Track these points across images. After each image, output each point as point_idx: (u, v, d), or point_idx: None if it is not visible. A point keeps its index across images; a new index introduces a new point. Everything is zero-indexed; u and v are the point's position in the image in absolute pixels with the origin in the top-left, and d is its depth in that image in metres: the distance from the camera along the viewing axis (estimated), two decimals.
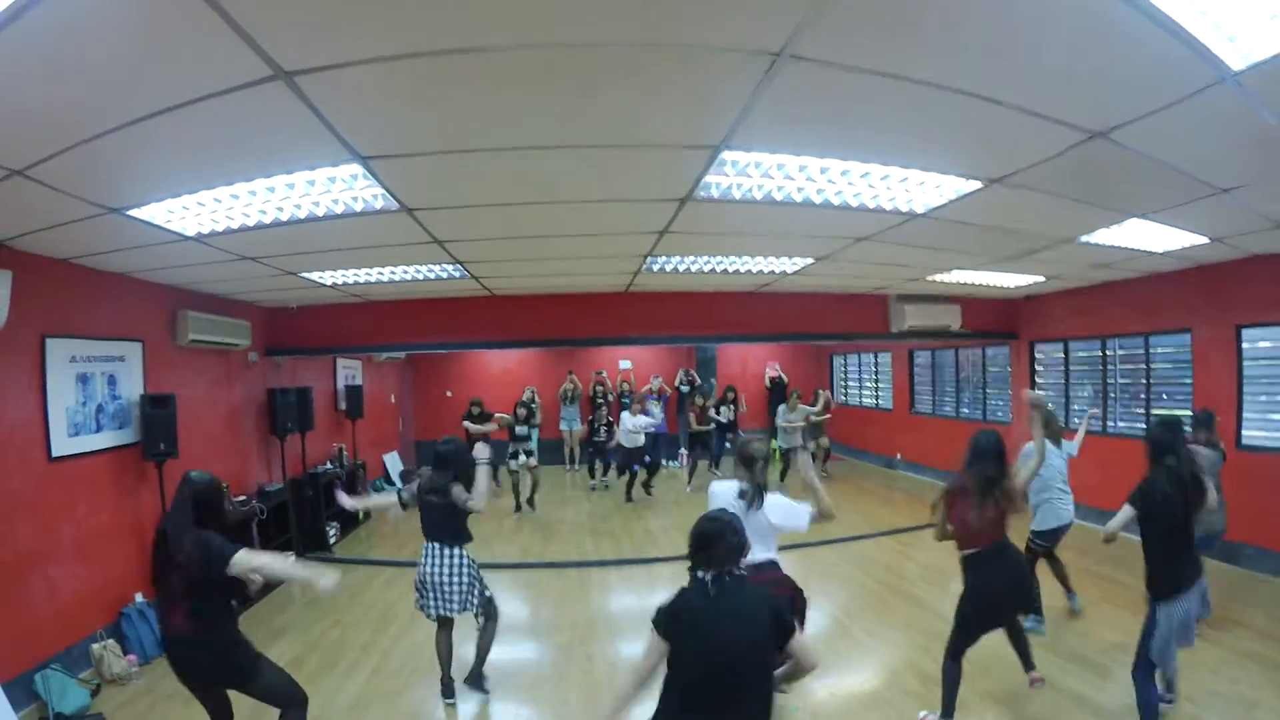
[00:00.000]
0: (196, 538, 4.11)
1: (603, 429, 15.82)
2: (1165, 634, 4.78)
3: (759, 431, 17.14)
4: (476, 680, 6.20)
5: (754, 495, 4.84)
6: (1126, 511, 4.84)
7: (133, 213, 5.08)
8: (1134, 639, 6.27)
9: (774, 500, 4.94)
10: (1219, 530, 6.90)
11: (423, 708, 6.04)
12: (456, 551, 6.00)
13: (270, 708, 4.49)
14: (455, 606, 5.97)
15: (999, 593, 5.18)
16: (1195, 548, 4.92)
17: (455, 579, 5.95)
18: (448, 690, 6.10)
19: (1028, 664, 5.60)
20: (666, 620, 3.42)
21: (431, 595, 5.97)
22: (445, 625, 6.12)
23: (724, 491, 4.95)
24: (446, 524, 6.00)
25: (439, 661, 6.12)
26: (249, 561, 4.15)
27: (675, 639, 3.40)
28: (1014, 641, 5.62)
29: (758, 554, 4.78)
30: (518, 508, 13.51)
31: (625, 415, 14.30)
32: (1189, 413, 8.27)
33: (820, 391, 15.99)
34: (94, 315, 7.07)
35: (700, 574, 3.40)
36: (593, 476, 16.30)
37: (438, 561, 5.95)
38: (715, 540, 3.42)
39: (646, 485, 14.46)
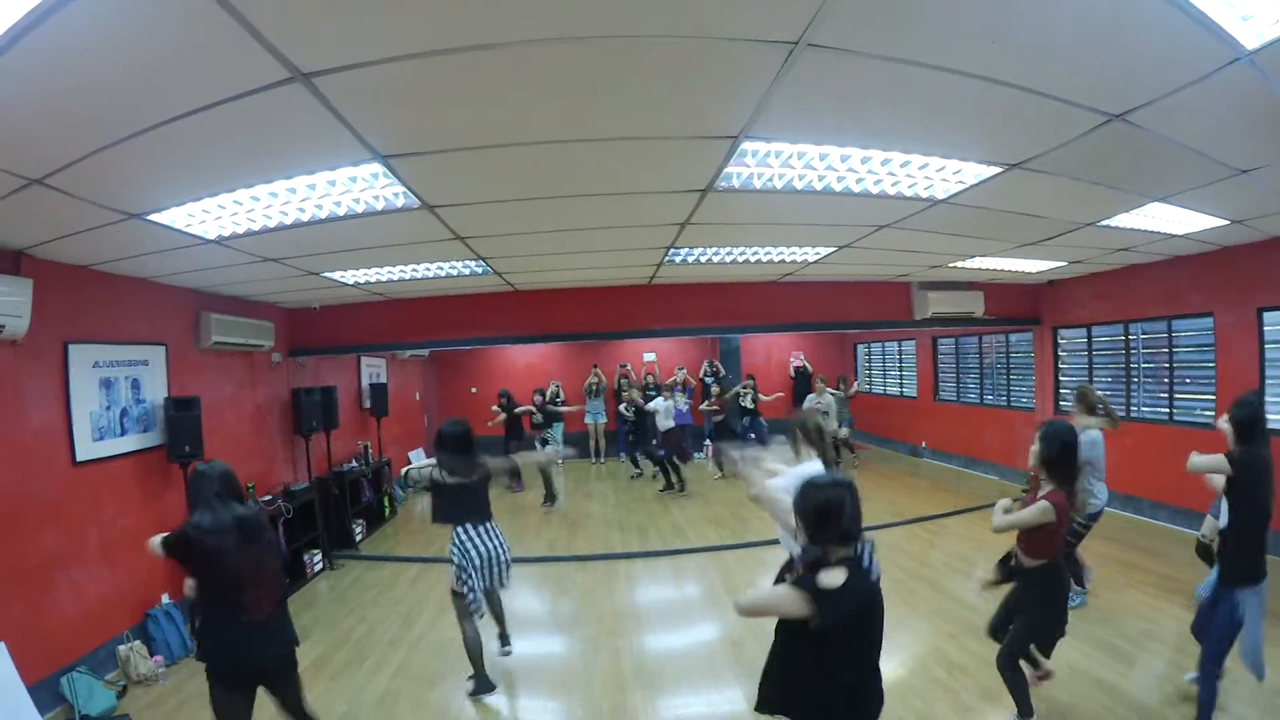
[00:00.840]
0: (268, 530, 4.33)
1: (631, 411, 16.06)
2: (1237, 619, 4.74)
3: (786, 422, 17.17)
4: (506, 639, 6.78)
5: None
6: (1221, 463, 4.74)
7: (153, 217, 5.10)
8: (1160, 627, 6.28)
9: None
10: None
11: (451, 701, 6.05)
12: (494, 526, 6.23)
13: None
14: (509, 578, 6.29)
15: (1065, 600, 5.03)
16: None
17: (503, 551, 6.20)
18: (489, 685, 6.11)
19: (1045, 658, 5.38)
20: (839, 611, 3.10)
21: (492, 573, 6.12)
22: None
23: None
24: (479, 501, 6.19)
25: (474, 656, 6.09)
26: None
27: (843, 628, 3.16)
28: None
29: None
30: (551, 499, 13.55)
31: (658, 400, 14.55)
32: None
33: (842, 377, 15.95)
34: (116, 320, 7.12)
35: (852, 556, 3.20)
36: (635, 465, 16.47)
37: (487, 538, 6.11)
38: (840, 508, 3.19)
39: (680, 483, 14.33)
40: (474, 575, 6.00)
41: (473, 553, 6.00)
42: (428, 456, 16.51)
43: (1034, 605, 4.93)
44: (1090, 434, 6.64)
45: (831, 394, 14.95)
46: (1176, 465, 8.39)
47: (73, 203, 4.61)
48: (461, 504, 6.11)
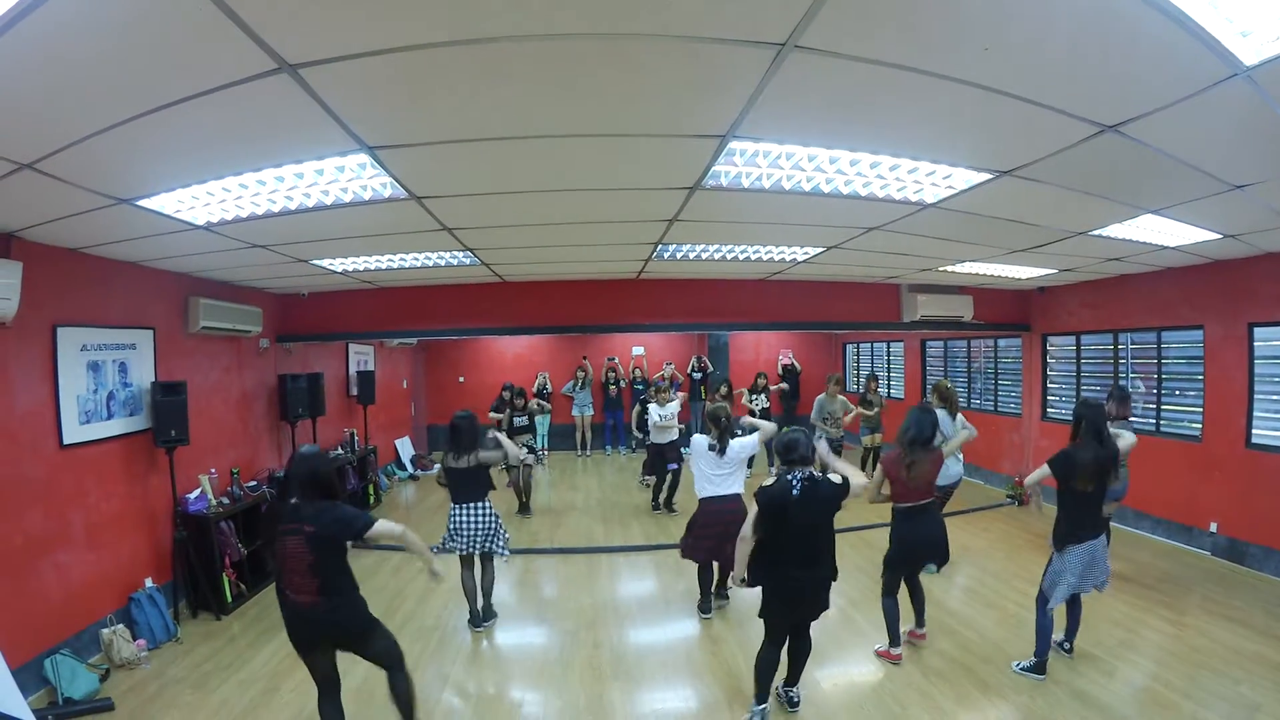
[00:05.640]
0: (328, 509, 4.62)
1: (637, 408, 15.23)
2: (1056, 572, 5.92)
3: (775, 418, 16.99)
4: (489, 611, 7.56)
5: (721, 447, 7.12)
6: (1044, 471, 5.92)
7: (142, 203, 5.09)
8: (1140, 637, 6.44)
9: (736, 443, 7.20)
10: (1119, 494, 7.74)
11: (430, 691, 6.07)
12: (482, 505, 7.32)
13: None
14: (477, 546, 7.28)
15: (922, 542, 6.48)
16: (1099, 513, 5.94)
17: (481, 525, 7.26)
18: (477, 619, 7.43)
19: (920, 621, 6.82)
20: (764, 505, 5.08)
21: (463, 539, 7.26)
22: (469, 564, 7.41)
23: (699, 443, 7.29)
24: (474, 485, 7.32)
25: (467, 597, 7.44)
26: (387, 531, 4.81)
27: (771, 519, 5.06)
28: (914, 599, 6.81)
29: (729, 487, 7.15)
30: (522, 508, 12.47)
31: (653, 407, 12.57)
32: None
33: (872, 374, 15.56)
34: (105, 304, 7.11)
35: (790, 474, 5.04)
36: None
37: (469, 516, 7.26)
38: (796, 445, 5.17)
39: (670, 501, 12.68)
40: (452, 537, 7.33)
41: (455, 523, 7.30)
42: (414, 445, 16.48)
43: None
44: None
45: (844, 400, 13.46)
46: (1163, 477, 8.41)
47: (63, 187, 4.60)
48: (457, 487, 7.34)
